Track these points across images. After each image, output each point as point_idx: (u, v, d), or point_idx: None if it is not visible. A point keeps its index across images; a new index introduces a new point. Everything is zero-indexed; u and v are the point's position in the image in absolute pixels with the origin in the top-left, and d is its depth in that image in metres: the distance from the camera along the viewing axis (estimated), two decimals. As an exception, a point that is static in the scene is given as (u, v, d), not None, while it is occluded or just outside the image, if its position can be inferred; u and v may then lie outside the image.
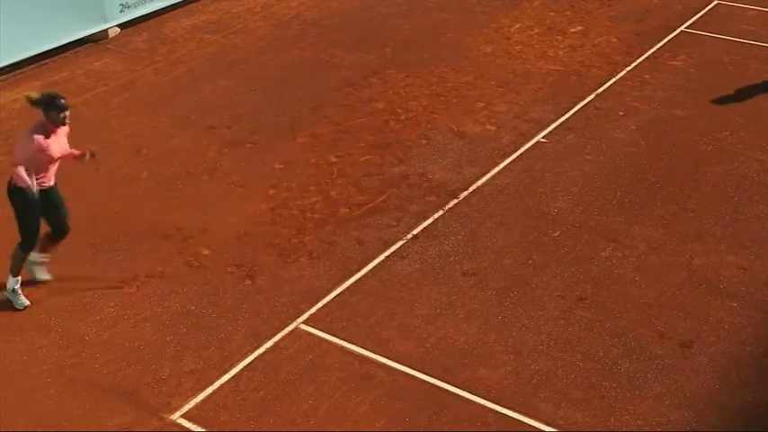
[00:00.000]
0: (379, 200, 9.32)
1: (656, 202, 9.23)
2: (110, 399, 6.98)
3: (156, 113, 11.00)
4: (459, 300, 7.98)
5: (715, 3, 13.80)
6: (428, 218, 9.02)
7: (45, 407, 6.93)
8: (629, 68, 11.91)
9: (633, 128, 10.58)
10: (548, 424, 6.76)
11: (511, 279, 8.21)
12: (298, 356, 7.38)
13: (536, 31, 13.08)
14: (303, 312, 7.82)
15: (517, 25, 13.27)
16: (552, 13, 13.62)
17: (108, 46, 12.78)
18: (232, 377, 7.18)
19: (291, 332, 7.63)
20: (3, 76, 11.85)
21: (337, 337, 7.57)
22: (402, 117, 10.82)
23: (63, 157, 7.64)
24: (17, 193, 7.46)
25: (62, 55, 12.42)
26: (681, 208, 9.16)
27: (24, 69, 12.03)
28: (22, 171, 7.29)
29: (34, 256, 7.97)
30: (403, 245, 8.66)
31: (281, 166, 9.88)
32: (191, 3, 14.03)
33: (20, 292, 7.82)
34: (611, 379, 7.15)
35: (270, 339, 7.53)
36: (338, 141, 10.32)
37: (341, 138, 10.39)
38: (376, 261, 8.44)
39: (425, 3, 14.05)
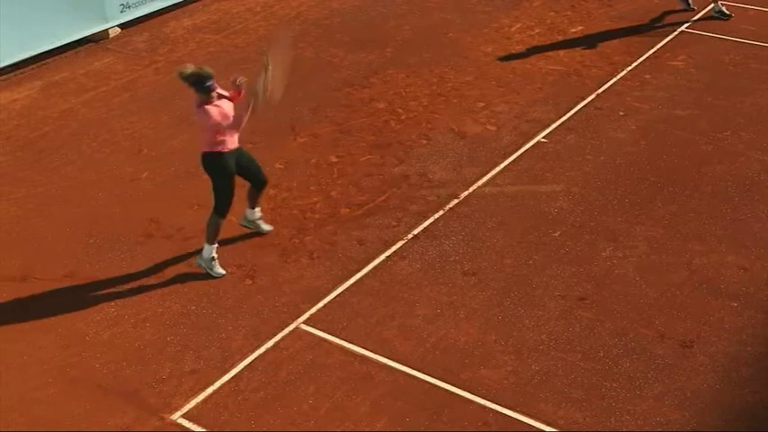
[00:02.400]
0: (379, 200, 9.32)
1: (657, 202, 9.23)
2: (110, 398, 6.98)
3: (156, 113, 11.00)
4: (460, 300, 7.98)
5: (715, 3, 13.80)
6: (428, 218, 9.02)
7: (45, 407, 6.94)
8: (629, 68, 11.90)
9: (634, 128, 10.58)
10: (548, 424, 6.76)
11: (511, 279, 8.21)
12: (298, 356, 7.38)
13: (536, 31, 13.07)
14: (303, 312, 7.82)
15: (518, 25, 13.27)
16: (553, 13, 13.61)
17: (108, 46, 12.78)
18: (232, 377, 7.18)
19: (292, 332, 7.63)
20: (3, 76, 11.85)
21: (338, 337, 7.57)
22: (402, 117, 10.82)
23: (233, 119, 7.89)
24: (211, 161, 7.92)
25: (63, 55, 12.42)
26: (681, 208, 9.16)
27: (25, 69, 12.04)
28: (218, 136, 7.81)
29: (253, 213, 8.57)
30: (403, 245, 8.66)
31: (281, 166, 9.88)
32: (191, 3, 14.03)
33: (217, 259, 8.19)
34: (611, 379, 7.14)
35: (270, 339, 7.54)
36: (339, 141, 10.32)
37: (341, 138, 10.39)
38: (376, 261, 8.44)
39: (425, 3, 14.05)
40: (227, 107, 7.91)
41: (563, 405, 6.91)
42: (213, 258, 8.18)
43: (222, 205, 8.03)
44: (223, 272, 8.20)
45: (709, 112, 10.91)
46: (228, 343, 7.52)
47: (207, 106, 7.72)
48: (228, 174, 7.96)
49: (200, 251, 8.24)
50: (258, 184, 8.39)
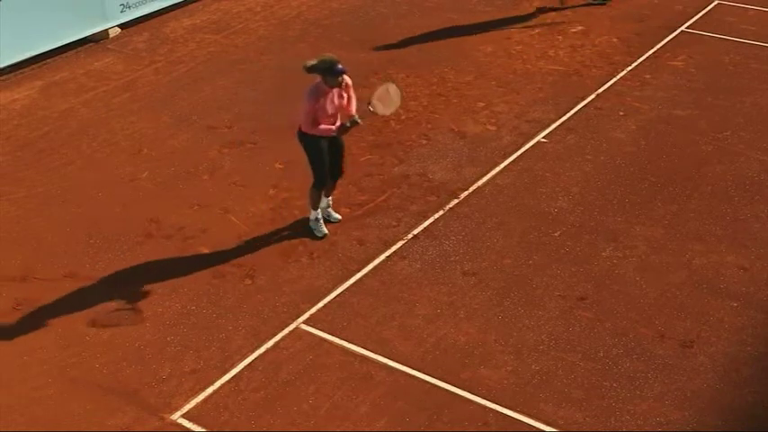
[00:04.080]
0: (379, 200, 9.32)
1: (657, 202, 9.23)
2: (110, 398, 6.98)
3: (156, 113, 11.01)
4: (460, 300, 7.98)
5: (715, 3, 13.81)
6: (428, 218, 9.02)
7: (45, 407, 6.94)
8: (629, 68, 11.91)
9: (633, 128, 10.58)
10: (548, 424, 6.76)
11: (511, 279, 8.21)
12: (298, 356, 7.38)
13: (536, 30, 13.08)
14: (303, 312, 7.83)
15: (518, 25, 13.26)
16: (553, 13, 13.61)
17: (108, 46, 12.79)
18: (232, 377, 7.18)
19: (292, 332, 7.63)
20: (4, 76, 11.85)
21: (338, 337, 7.57)
22: (402, 117, 10.82)
23: (338, 111, 8.38)
24: (306, 139, 8.40)
25: (63, 55, 12.43)
26: (681, 208, 9.16)
27: (25, 69, 12.04)
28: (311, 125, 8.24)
29: (323, 201, 8.82)
30: (403, 245, 8.66)
31: (281, 166, 9.88)
32: (191, 3, 14.04)
33: (321, 221, 8.74)
34: (611, 379, 7.15)
35: (270, 339, 7.54)
36: (338, 141, 10.31)
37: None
38: (376, 261, 8.44)
39: (425, 3, 14.05)
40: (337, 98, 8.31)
41: (563, 405, 6.91)
42: (317, 219, 8.69)
43: (318, 177, 8.49)
44: (325, 231, 8.69)
45: (709, 112, 10.91)
46: (228, 343, 7.52)
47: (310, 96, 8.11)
48: (318, 149, 8.39)
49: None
50: (334, 173, 8.65)
